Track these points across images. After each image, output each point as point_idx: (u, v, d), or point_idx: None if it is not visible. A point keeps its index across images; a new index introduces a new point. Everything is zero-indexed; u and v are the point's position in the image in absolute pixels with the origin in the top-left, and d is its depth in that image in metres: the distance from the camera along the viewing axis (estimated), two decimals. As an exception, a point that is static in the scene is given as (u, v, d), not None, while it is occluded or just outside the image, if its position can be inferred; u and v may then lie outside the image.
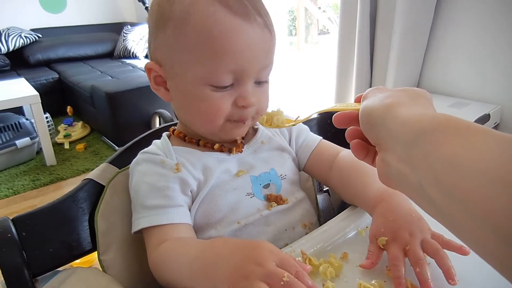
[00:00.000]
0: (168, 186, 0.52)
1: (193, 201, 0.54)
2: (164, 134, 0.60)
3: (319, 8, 4.91)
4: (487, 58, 1.79)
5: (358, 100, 0.44)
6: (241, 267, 0.38)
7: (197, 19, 0.48)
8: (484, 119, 1.68)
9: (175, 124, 0.65)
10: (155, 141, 0.59)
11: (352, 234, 0.51)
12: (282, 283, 0.35)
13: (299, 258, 0.46)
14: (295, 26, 4.56)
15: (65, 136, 2.91)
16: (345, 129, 0.84)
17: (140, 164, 0.55)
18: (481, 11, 1.75)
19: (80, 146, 2.80)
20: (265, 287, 0.35)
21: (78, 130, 3.03)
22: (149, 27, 0.55)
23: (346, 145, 0.80)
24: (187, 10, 0.48)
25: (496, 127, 1.77)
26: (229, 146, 0.60)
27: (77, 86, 3.09)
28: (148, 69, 0.55)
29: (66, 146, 2.85)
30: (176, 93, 0.55)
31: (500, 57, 1.74)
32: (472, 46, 1.82)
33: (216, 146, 0.58)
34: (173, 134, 0.61)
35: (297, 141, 0.67)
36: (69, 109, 3.15)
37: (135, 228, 0.52)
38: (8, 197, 2.23)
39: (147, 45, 2.68)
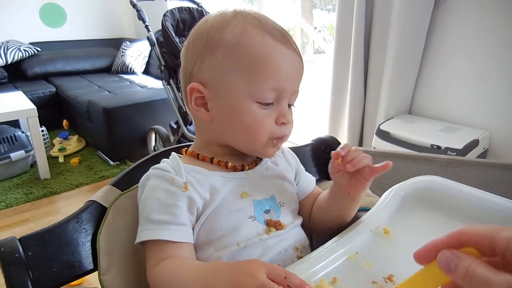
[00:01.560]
0: (174, 204, 0.54)
1: (197, 219, 0.57)
2: (174, 154, 0.63)
3: (315, 28, 5.02)
4: (477, 85, 1.85)
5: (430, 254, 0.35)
6: (236, 280, 0.42)
7: (248, 44, 0.55)
8: (473, 144, 1.73)
9: (181, 147, 0.68)
10: (166, 159, 0.62)
11: (342, 260, 0.54)
12: None
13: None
14: (292, 45, 4.63)
15: (60, 150, 2.91)
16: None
17: (151, 179, 0.58)
18: (471, 40, 1.82)
19: (74, 160, 2.81)
20: None
21: (73, 144, 3.04)
22: (189, 52, 0.60)
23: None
24: (238, 37, 0.56)
25: (484, 152, 1.82)
26: (242, 164, 0.64)
27: (74, 100, 3.12)
28: (191, 89, 0.59)
29: (61, 159, 2.85)
30: (219, 113, 0.59)
31: (489, 84, 1.80)
32: (463, 73, 1.89)
33: (229, 165, 0.62)
34: (185, 153, 0.65)
35: (298, 177, 0.72)
36: (65, 122, 3.17)
37: (138, 239, 0.54)
38: (0, 210, 2.22)
39: (145, 60, 2.71)
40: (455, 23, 1.85)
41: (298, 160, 0.74)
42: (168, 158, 0.62)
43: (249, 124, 0.57)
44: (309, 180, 0.73)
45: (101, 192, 0.63)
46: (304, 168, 0.74)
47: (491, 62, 1.77)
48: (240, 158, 0.64)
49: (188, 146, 0.67)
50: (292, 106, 0.62)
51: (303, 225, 0.67)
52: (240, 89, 0.56)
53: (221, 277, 0.44)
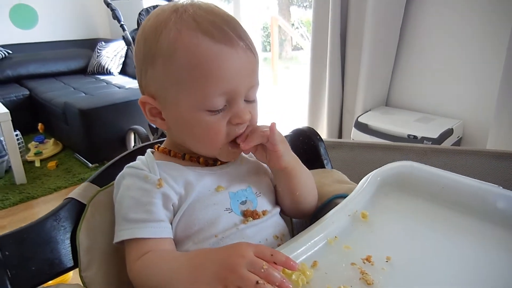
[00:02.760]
0: (150, 201, 0.54)
1: (174, 215, 0.57)
2: (148, 150, 0.63)
3: (293, 24, 5.06)
4: (450, 77, 1.90)
5: None
6: (226, 264, 0.42)
7: (185, 51, 0.51)
8: (447, 133, 1.78)
9: (155, 143, 0.68)
10: (140, 157, 0.61)
11: (322, 244, 0.55)
12: (262, 270, 0.41)
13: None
14: (269, 42, 4.66)
15: (36, 154, 2.84)
16: (315, 146, 0.89)
17: (125, 178, 0.58)
18: (443, 34, 1.87)
19: (51, 164, 2.75)
20: (251, 274, 0.41)
21: (50, 147, 2.97)
22: (137, 61, 0.58)
23: (316, 162, 0.85)
24: (174, 44, 0.52)
25: (459, 140, 1.87)
26: (214, 159, 0.63)
27: (49, 102, 3.04)
28: (142, 103, 0.58)
29: (37, 164, 2.78)
30: (173, 122, 0.58)
31: (462, 75, 1.86)
32: (436, 65, 1.94)
33: (201, 160, 0.62)
34: (157, 150, 0.64)
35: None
36: (40, 126, 3.09)
37: (117, 239, 0.54)
38: (-25, 218, 2.15)
39: (121, 60, 2.67)
40: (428, 17, 1.90)
41: None
42: (144, 155, 0.62)
43: (203, 133, 0.56)
44: None
45: (79, 189, 0.63)
46: None
47: (463, 55, 1.82)
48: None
49: (161, 142, 0.67)
50: (253, 101, 0.60)
51: (282, 213, 0.68)
52: (186, 100, 0.54)
53: (209, 261, 0.44)
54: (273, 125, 0.57)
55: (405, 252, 0.54)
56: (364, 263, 0.52)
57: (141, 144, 0.71)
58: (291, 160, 0.62)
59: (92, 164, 2.74)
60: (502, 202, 0.60)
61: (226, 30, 0.53)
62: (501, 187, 0.62)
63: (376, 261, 0.52)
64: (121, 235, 0.54)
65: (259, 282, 0.40)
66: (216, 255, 0.45)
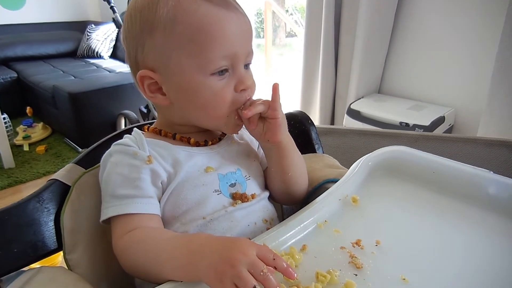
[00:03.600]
0: (139, 177, 0.53)
1: (163, 193, 0.56)
2: (136, 129, 0.61)
3: (287, 11, 4.99)
4: (443, 65, 1.90)
5: None
6: (226, 257, 0.40)
7: (185, 16, 0.52)
8: (439, 121, 1.79)
9: (145, 125, 0.66)
10: (127, 135, 0.60)
11: (312, 228, 0.55)
12: (261, 273, 0.39)
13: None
14: (263, 28, 4.60)
15: (25, 138, 2.79)
16: (306, 130, 0.88)
17: (113, 155, 0.56)
18: (438, 21, 1.86)
19: (40, 148, 2.70)
20: (250, 276, 0.39)
21: (39, 131, 2.92)
22: (130, 38, 0.56)
23: (307, 146, 0.84)
24: (173, 12, 0.52)
25: (450, 128, 1.88)
26: (205, 139, 0.62)
27: (37, 86, 2.98)
28: (141, 77, 0.56)
29: (26, 148, 2.74)
30: (176, 94, 0.56)
31: (455, 63, 1.85)
32: (430, 53, 1.93)
33: (192, 140, 0.61)
34: (147, 130, 0.63)
35: (260, 149, 0.70)
36: (28, 109, 3.03)
37: (103, 217, 0.52)
38: (-38, 202, 2.12)
39: (112, 44, 2.58)
40: (422, 5, 1.89)
41: None
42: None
43: (209, 100, 0.55)
44: None
45: (64, 171, 0.61)
46: None
47: (457, 44, 1.82)
48: (204, 135, 0.63)
49: (151, 124, 0.65)
50: (249, 67, 0.60)
51: (272, 199, 0.67)
52: (190, 66, 0.53)
53: (208, 249, 0.43)
54: (275, 86, 0.57)
55: (395, 236, 0.54)
56: (354, 247, 0.51)
57: (129, 126, 0.69)
58: (286, 136, 0.62)
59: (82, 148, 2.70)
60: (493, 187, 0.60)
61: None
62: (491, 172, 0.62)
63: (366, 245, 0.51)
64: (108, 212, 0.52)
65: (256, 287, 0.39)
66: (216, 245, 0.43)
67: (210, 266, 0.41)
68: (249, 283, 0.38)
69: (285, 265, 0.42)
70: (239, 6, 0.56)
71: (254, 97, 0.60)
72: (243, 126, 0.62)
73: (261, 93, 0.62)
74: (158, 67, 0.55)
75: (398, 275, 0.46)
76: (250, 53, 0.58)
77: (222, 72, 0.55)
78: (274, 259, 0.41)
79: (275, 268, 0.41)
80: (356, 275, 0.46)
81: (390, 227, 0.56)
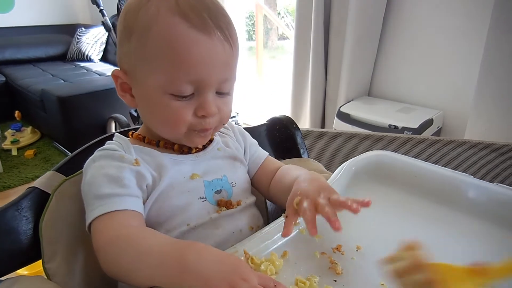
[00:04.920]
0: (126, 176, 0.52)
1: (148, 197, 0.55)
2: (118, 134, 0.61)
3: (279, 13, 5.00)
4: (432, 67, 1.92)
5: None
6: (229, 279, 0.39)
7: (158, 31, 0.50)
8: (428, 123, 1.80)
9: (129, 130, 0.66)
10: (111, 141, 0.59)
11: (294, 234, 0.55)
12: None
13: (242, 258, 0.48)
14: (255, 31, 4.60)
15: (13, 142, 2.76)
16: (291, 134, 0.88)
17: (97, 160, 0.55)
18: (426, 24, 1.88)
19: (29, 153, 2.67)
20: None
21: (27, 135, 2.89)
22: (117, 36, 0.57)
23: (292, 151, 0.85)
24: (150, 22, 0.50)
25: (439, 130, 1.90)
26: (189, 147, 0.61)
27: (26, 89, 2.95)
28: (114, 76, 0.57)
29: (14, 152, 2.71)
30: (140, 100, 0.57)
31: (443, 66, 1.87)
32: (418, 56, 1.95)
33: (176, 147, 0.60)
34: (131, 136, 0.63)
35: (250, 152, 0.70)
36: (17, 113, 2.99)
37: (88, 220, 0.50)
38: None
39: (102, 47, 2.58)
40: (410, 9, 1.90)
41: (248, 135, 0.73)
42: None
43: (163, 117, 0.54)
44: (259, 153, 0.72)
45: (43, 178, 0.60)
46: (257, 142, 0.73)
47: (445, 46, 1.83)
48: None
49: (136, 130, 0.65)
50: (226, 95, 0.57)
51: (258, 204, 0.67)
52: (153, 81, 0.52)
53: (206, 265, 0.41)
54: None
55: (376, 242, 0.54)
56: (335, 252, 0.52)
57: (112, 132, 0.68)
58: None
59: (71, 153, 2.67)
60: (473, 191, 0.61)
61: (205, 17, 0.51)
62: (472, 177, 0.62)
63: (346, 251, 0.52)
64: (93, 214, 0.49)
65: None
66: (215, 262, 0.41)
67: (208, 283, 0.39)
68: None
69: None
70: (226, 28, 0.53)
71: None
72: (209, 137, 0.60)
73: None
74: (129, 71, 0.56)
75: (377, 281, 0.46)
76: (226, 81, 0.55)
77: (184, 96, 0.53)
78: (275, 286, 0.40)
79: None
80: (335, 281, 0.47)
81: (371, 232, 0.56)
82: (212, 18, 0.51)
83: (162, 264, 0.42)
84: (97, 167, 0.54)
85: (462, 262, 0.50)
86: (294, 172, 0.62)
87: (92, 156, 0.56)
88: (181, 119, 0.53)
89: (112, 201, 0.50)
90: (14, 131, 2.87)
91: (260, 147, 0.73)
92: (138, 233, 0.47)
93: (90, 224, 0.50)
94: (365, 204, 0.48)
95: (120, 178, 0.52)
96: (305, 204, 0.50)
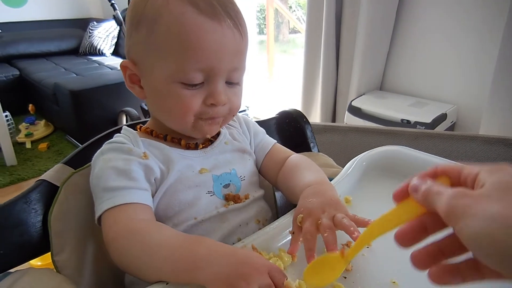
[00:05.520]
0: (134, 169, 0.52)
1: (156, 191, 0.55)
2: (126, 127, 0.61)
3: (290, 7, 4.96)
4: (445, 61, 1.88)
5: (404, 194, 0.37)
6: (241, 271, 0.39)
7: (168, 19, 0.50)
8: (441, 118, 1.76)
9: (138, 124, 0.66)
10: (119, 134, 0.59)
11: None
12: None
13: (250, 253, 0.48)
14: (266, 24, 4.57)
15: (27, 135, 2.80)
16: (301, 128, 0.87)
17: (105, 153, 0.55)
18: (440, 17, 1.84)
19: (42, 146, 2.71)
20: None
21: (41, 129, 2.93)
22: (126, 27, 0.57)
23: (302, 145, 0.83)
24: (159, 10, 0.50)
25: (452, 125, 1.86)
26: (196, 142, 0.61)
27: (39, 83, 2.99)
28: (123, 67, 0.57)
29: (28, 145, 2.75)
30: (149, 91, 0.56)
31: (457, 60, 1.83)
32: (432, 49, 1.91)
33: (183, 142, 0.60)
34: (139, 130, 0.62)
35: (255, 141, 0.69)
36: (30, 107, 3.04)
37: (98, 213, 0.50)
38: (-36, 199, 2.13)
39: (114, 41, 2.60)
40: (424, 1, 1.86)
41: (253, 124, 0.72)
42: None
43: (172, 106, 0.54)
44: (265, 140, 0.71)
45: (52, 171, 0.61)
46: (264, 130, 0.73)
47: (459, 40, 1.79)
48: (194, 138, 0.62)
49: (144, 123, 0.65)
50: (236, 85, 0.57)
51: (267, 197, 0.67)
52: (162, 69, 0.52)
53: (217, 259, 0.41)
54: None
55: (387, 239, 0.52)
56: (345, 249, 0.50)
57: (120, 125, 0.68)
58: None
59: (83, 146, 2.71)
60: (488, 188, 0.59)
61: (215, 4, 0.50)
62: (487, 173, 0.60)
63: (356, 247, 0.50)
64: (102, 207, 0.49)
65: None
66: (227, 255, 0.41)
67: (219, 276, 0.39)
68: None
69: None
70: (235, 16, 0.53)
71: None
72: (219, 127, 0.60)
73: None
74: (138, 61, 0.55)
75: (388, 278, 0.45)
76: (234, 70, 0.54)
77: (194, 85, 0.52)
78: (283, 283, 0.40)
79: None
80: (345, 277, 0.46)
81: (382, 228, 0.55)
82: (221, 5, 0.51)
83: (172, 259, 0.42)
84: (105, 160, 0.54)
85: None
86: (302, 177, 0.59)
87: (100, 149, 0.56)
88: (190, 108, 0.53)
89: (120, 194, 0.50)
90: (28, 124, 2.92)
91: (267, 135, 0.72)
92: (148, 227, 0.47)
93: (99, 217, 0.50)
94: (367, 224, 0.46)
95: (128, 171, 0.52)
96: (307, 224, 0.48)
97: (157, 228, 0.47)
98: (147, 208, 0.51)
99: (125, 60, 0.57)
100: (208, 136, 0.61)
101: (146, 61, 0.54)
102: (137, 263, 0.45)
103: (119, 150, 0.55)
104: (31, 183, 2.37)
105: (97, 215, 0.51)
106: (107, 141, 0.57)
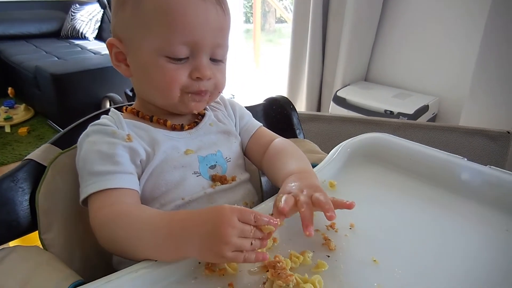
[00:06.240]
0: (118, 153, 0.53)
1: (142, 172, 0.55)
2: (113, 109, 0.61)
3: (277, -4, 4.93)
4: (428, 54, 1.92)
5: None
6: (217, 236, 0.40)
7: None
8: (423, 109, 1.81)
9: (123, 106, 0.66)
10: (105, 115, 0.59)
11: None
12: (251, 233, 0.41)
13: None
14: (252, 13, 4.54)
15: (6, 119, 2.73)
16: (288, 115, 0.88)
17: (90, 135, 0.55)
18: (425, 11, 1.87)
19: (23, 130, 2.65)
20: (244, 240, 0.41)
21: (21, 113, 2.86)
22: (112, 5, 0.58)
23: (288, 131, 0.85)
24: None
25: (434, 117, 1.91)
26: (181, 123, 0.62)
27: (19, 66, 2.90)
28: (109, 44, 0.58)
29: (7, 129, 2.68)
30: (135, 68, 0.57)
31: (439, 53, 1.87)
32: (416, 42, 1.94)
33: (169, 123, 0.60)
34: (125, 111, 0.63)
35: (240, 124, 0.70)
36: (10, 90, 2.95)
37: (83, 196, 0.51)
38: None
39: (97, 25, 2.54)
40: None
41: (239, 106, 0.73)
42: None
43: (158, 80, 0.55)
44: (251, 123, 0.72)
45: (39, 151, 0.60)
46: (250, 113, 0.74)
47: (443, 33, 1.83)
48: (180, 119, 0.63)
49: (130, 105, 0.65)
50: (220, 62, 0.59)
51: (253, 181, 0.68)
52: (148, 43, 0.53)
53: (194, 231, 0.42)
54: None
55: (368, 220, 0.55)
56: (328, 229, 0.52)
57: (106, 108, 0.68)
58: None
59: (65, 131, 2.66)
60: (466, 173, 0.61)
61: None
62: (465, 159, 0.63)
63: (340, 228, 0.52)
64: (87, 190, 0.50)
65: (252, 243, 0.41)
66: (200, 223, 0.42)
67: (204, 247, 0.41)
68: (246, 247, 0.41)
69: (266, 220, 0.42)
70: None
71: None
72: (205, 104, 0.61)
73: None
74: (124, 38, 0.56)
75: (369, 256, 0.47)
76: (217, 47, 0.56)
77: (179, 59, 0.54)
78: (255, 221, 0.42)
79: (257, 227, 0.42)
80: (328, 256, 0.47)
81: (365, 211, 0.57)
82: None
83: (155, 241, 0.43)
84: (90, 142, 0.54)
85: (452, 241, 0.51)
86: (286, 164, 0.61)
87: (86, 130, 0.57)
88: (176, 81, 0.54)
89: (105, 178, 0.51)
90: (7, 108, 2.84)
91: (253, 118, 0.73)
92: (132, 210, 0.48)
93: (85, 199, 0.51)
94: (348, 206, 0.50)
95: (112, 155, 0.52)
96: (284, 197, 0.49)
97: (140, 211, 0.48)
98: (132, 192, 0.52)
99: (111, 38, 0.58)
100: (195, 112, 0.62)
101: (131, 38, 0.55)
102: (122, 246, 0.46)
103: (103, 133, 0.55)
104: (11, 167, 2.32)
105: (82, 197, 0.51)
106: (92, 123, 0.58)
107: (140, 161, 0.55)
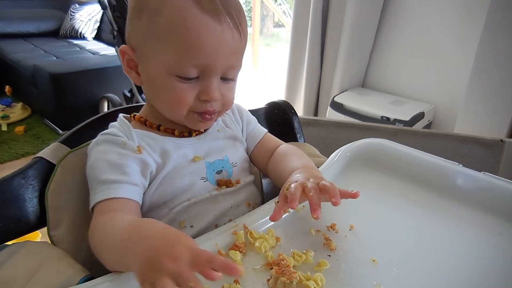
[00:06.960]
0: (128, 164, 0.53)
1: (150, 183, 0.57)
2: (122, 117, 0.62)
3: (275, 0, 4.97)
4: (425, 62, 1.95)
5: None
6: (153, 260, 0.36)
7: (170, 11, 0.51)
8: (419, 116, 1.84)
9: (135, 107, 0.67)
10: (114, 124, 0.60)
11: (290, 213, 0.57)
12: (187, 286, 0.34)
13: (241, 232, 0.51)
14: (251, 17, 4.57)
15: (3, 118, 2.73)
16: (289, 119, 0.90)
17: (100, 144, 0.56)
18: (423, 19, 1.90)
19: (19, 129, 2.65)
20: (171, 285, 0.33)
21: (18, 111, 2.86)
22: (128, 11, 0.57)
23: (290, 135, 0.87)
24: (162, 2, 0.51)
25: (429, 124, 1.94)
26: (189, 130, 0.63)
27: (17, 64, 2.90)
28: (122, 52, 0.57)
29: (4, 128, 2.68)
30: (145, 78, 0.57)
31: (436, 62, 1.91)
32: (413, 49, 1.98)
33: (176, 132, 0.61)
34: (133, 119, 0.63)
35: (247, 129, 0.72)
36: (7, 88, 2.95)
37: (91, 204, 0.52)
38: None
39: (96, 26, 2.54)
40: (409, 2, 1.92)
41: (246, 112, 0.75)
42: (116, 120, 0.61)
43: (167, 98, 0.55)
44: (257, 129, 0.73)
45: (49, 149, 0.61)
46: (256, 119, 0.75)
47: (440, 42, 1.86)
48: (187, 127, 0.63)
49: (138, 109, 0.66)
50: (231, 80, 0.58)
51: (256, 182, 0.70)
52: (159, 59, 0.53)
53: (142, 246, 0.38)
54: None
55: (368, 222, 0.57)
56: (329, 230, 0.54)
57: (115, 108, 0.70)
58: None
59: (62, 130, 2.65)
60: (461, 179, 0.64)
61: (217, 3, 0.51)
62: (461, 165, 0.66)
63: (340, 229, 0.54)
64: (95, 198, 0.51)
65: None
66: (151, 242, 0.38)
67: (137, 264, 0.37)
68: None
69: (223, 262, 0.35)
70: (236, 16, 0.53)
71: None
72: (212, 122, 0.63)
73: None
74: (137, 48, 0.56)
75: (369, 256, 0.49)
76: (230, 68, 0.56)
77: (189, 79, 0.53)
78: (209, 260, 0.35)
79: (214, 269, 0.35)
80: (329, 255, 0.49)
81: (364, 213, 0.59)
82: (223, 4, 0.52)
83: (120, 250, 0.42)
84: (99, 151, 0.55)
85: (448, 244, 0.53)
86: (291, 162, 0.62)
87: (95, 139, 0.58)
88: (183, 101, 0.55)
89: (111, 187, 0.51)
90: (4, 106, 2.84)
91: (259, 124, 0.75)
92: (110, 220, 0.48)
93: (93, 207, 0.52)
94: (353, 196, 0.51)
95: (121, 166, 0.53)
96: (293, 185, 0.51)
97: (120, 219, 0.47)
98: (132, 202, 0.52)
99: (124, 45, 0.58)
100: (202, 130, 0.63)
101: (144, 49, 0.55)
102: (100, 255, 0.46)
103: (113, 143, 0.56)
104: (7, 166, 2.30)
105: (91, 204, 0.52)
106: (102, 132, 0.58)
107: (150, 173, 0.56)
